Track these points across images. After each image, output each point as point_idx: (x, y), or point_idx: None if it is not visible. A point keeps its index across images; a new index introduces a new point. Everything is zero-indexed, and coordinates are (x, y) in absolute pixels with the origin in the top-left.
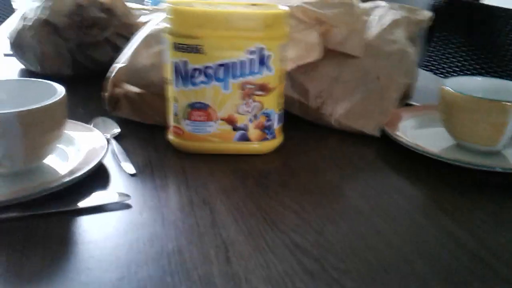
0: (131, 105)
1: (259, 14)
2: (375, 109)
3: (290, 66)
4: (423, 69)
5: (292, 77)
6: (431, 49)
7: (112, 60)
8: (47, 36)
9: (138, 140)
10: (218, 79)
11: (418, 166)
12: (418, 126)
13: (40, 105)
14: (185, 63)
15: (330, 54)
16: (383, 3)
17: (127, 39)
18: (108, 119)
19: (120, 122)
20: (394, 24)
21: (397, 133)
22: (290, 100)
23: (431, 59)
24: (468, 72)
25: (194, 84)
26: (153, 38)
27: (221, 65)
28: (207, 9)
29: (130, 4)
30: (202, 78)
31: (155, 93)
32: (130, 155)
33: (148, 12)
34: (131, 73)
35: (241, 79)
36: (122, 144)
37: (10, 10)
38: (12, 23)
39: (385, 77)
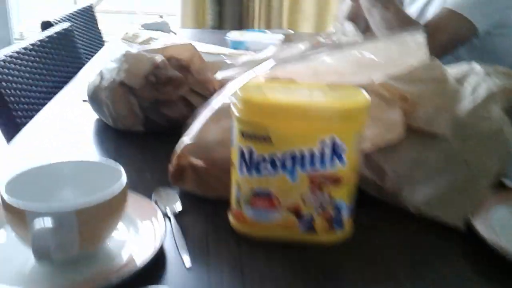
0: (196, 178)
1: (335, 106)
2: (461, 198)
3: (367, 146)
4: None
5: (368, 155)
6: None
7: (184, 118)
8: (122, 96)
9: (198, 216)
10: (285, 169)
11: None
12: None
13: (99, 201)
14: (251, 151)
15: (413, 133)
16: (478, 68)
17: (201, 96)
18: (171, 191)
19: (183, 194)
20: (490, 98)
21: (483, 227)
22: (364, 179)
23: None
24: None
25: (259, 172)
26: (223, 113)
27: (290, 155)
28: (277, 100)
29: (207, 57)
30: (268, 167)
31: (222, 167)
32: (189, 235)
33: (226, 61)
34: (198, 149)
35: (310, 171)
36: (182, 220)
37: (99, 39)
38: (92, 72)
39: (475, 162)
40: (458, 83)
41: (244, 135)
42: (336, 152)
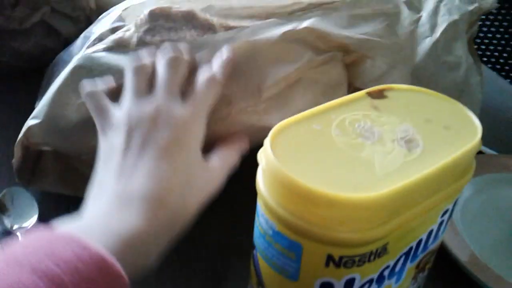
0: (60, 171)
1: (462, 153)
2: None
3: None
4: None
5: None
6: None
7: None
8: None
9: None
10: (393, 275)
11: None
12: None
13: None
14: (352, 280)
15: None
16: None
17: (70, 18)
18: (24, 193)
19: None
20: (451, 30)
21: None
22: None
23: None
24: None
25: None
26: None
27: (404, 254)
28: (397, 190)
29: None
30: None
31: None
32: None
33: None
34: (49, 134)
35: (421, 255)
36: None
37: None
38: None
39: None
40: (413, 9)
41: (337, 262)
42: (451, 214)
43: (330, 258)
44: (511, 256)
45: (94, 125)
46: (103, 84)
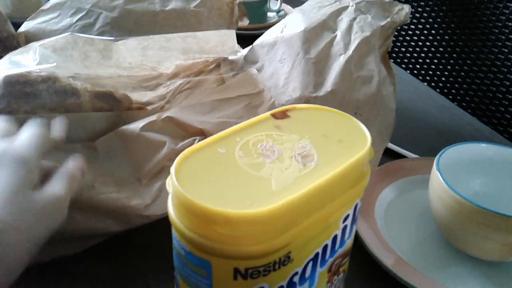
0: None
1: (354, 162)
2: None
3: None
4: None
5: None
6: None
7: None
8: None
9: None
10: (304, 281)
11: None
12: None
13: None
14: None
15: None
16: (348, 1)
17: None
18: None
19: None
20: (364, 46)
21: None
22: None
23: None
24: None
25: None
26: None
27: (310, 260)
28: (292, 200)
29: None
30: None
31: None
32: None
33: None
34: None
35: (331, 260)
36: None
37: None
38: None
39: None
40: (328, 29)
41: (244, 274)
42: (355, 219)
43: (237, 271)
44: (432, 253)
45: None
46: None
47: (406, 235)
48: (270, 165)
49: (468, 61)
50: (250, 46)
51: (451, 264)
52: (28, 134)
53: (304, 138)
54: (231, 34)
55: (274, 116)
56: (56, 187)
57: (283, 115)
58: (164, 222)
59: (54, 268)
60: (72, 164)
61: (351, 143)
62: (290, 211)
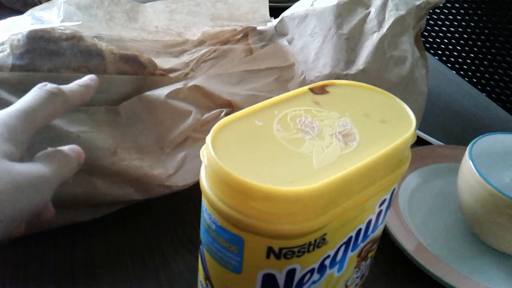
0: None
1: (396, 145)
2: None
3: None
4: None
5: None
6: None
7: None
8: None
9: None
10: (334, 264)
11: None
12: (424, 190)
13: None
14: (292, 271)
15: None
16: None
17: None
18: None
19: None
20: (398, 25)
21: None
22: None
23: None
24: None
25: None
26: None
27: (343, 243)
28: (332, 181)
29: None
30: (315, 277)
31: None
32: None
33: None
34: None
35: (362, 244)
36: None
37: None
38: None
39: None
40: (361, 5)
41: (277, 254)
42: (390, 204)
43: (270, 250)
44: (455, 243)
45: None
46: None
47: (429, 223)
48: (310, 141)
49: (502, 51)
50: (280, 17)
51: (475, 256)
52: (21, 105)
53: (344, 116)
54: (264, 2)
55: (312, 90)
56: (44, 166)
57: (322, 90)
58: (182, 193)
59: (68, 235)
60: (69, 149)
61: (395, 124)
62: (332, 191)
